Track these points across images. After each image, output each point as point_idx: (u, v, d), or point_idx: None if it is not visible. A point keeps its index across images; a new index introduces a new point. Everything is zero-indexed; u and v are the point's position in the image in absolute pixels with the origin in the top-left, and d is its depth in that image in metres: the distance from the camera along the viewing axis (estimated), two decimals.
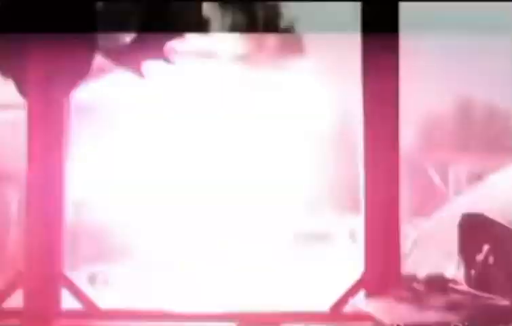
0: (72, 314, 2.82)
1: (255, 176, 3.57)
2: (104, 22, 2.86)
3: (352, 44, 2.82)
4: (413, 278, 2.28)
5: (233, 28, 3.28)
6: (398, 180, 2.73)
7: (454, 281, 2.27)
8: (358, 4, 2.79)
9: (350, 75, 2.83)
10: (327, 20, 3.01)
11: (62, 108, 2.87)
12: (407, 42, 2.76)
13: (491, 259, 2.20)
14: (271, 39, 3.52)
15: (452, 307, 2.04)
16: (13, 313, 2.80)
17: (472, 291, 2.19)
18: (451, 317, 1.98)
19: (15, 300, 2.83)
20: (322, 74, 3.39)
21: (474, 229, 2.35)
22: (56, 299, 2.81)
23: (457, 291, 2.17)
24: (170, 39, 2.94)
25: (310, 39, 3.41)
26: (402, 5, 2.74)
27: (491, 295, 2.07)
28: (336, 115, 3.45)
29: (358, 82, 2.77)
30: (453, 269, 2.83)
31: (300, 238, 3.68)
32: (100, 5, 2.88)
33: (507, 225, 2.16)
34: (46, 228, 2.78)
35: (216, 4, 3.10)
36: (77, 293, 2.83)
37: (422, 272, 2.47)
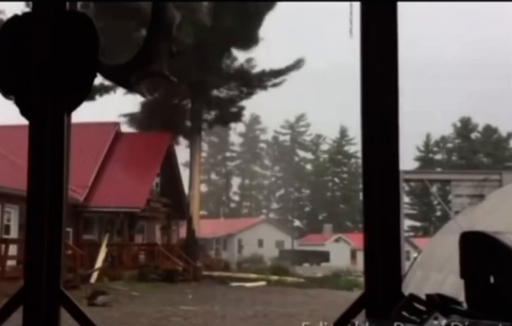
0: None
1: None
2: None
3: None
4: (414, 298, 2.26)
5: None
6: (399, 199, 2.73)
7: (455, 301, 2.25)
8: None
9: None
10: None
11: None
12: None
13: (492, 279, 2.18)
14: None
15: None
16: None
17: (473, 311, 2.17)
18: None
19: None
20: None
21: (475, 248, 2.33)
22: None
23: (458, 311, 2.15)
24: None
25: None
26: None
27: (492, 315, 2.05)
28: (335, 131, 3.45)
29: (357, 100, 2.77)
30: (455, 289, 2.81)
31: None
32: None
33: (508, 244, 2.15)
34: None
35: None
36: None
37: (423, 291, 2.46)
